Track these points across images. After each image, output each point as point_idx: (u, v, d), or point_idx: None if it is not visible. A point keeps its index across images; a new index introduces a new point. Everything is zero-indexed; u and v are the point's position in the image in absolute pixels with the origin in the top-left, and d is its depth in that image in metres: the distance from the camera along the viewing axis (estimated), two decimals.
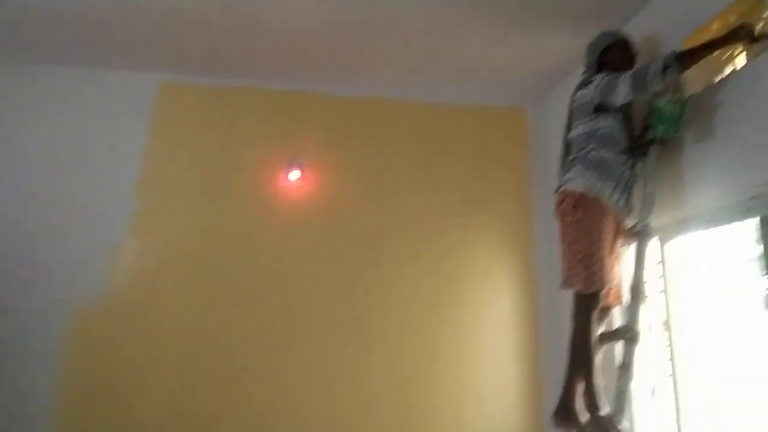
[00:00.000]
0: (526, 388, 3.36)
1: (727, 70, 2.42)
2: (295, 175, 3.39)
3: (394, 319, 3.32)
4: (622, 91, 2.39)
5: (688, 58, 2.28)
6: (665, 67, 2.27)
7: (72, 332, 3.00)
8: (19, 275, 3.03)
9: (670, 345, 2.58)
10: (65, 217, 3.15)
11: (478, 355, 3.37)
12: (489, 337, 3.41)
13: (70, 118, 3.31)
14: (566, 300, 2.54)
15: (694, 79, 2.49)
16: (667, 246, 2.66)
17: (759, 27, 2.18)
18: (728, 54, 2.41)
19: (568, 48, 3.08)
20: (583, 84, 2.61)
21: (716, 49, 2.27)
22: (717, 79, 2.41)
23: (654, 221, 2.49)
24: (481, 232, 3.54)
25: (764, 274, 2.15)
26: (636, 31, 2.71)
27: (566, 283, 2.43)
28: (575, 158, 2.51)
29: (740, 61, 2.37)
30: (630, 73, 2.39)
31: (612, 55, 2.62)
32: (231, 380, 3.09)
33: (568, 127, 2.63)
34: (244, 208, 3.33)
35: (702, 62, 2.48)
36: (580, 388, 2.38)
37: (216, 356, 3.11)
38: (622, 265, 2.50)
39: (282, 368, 3.16)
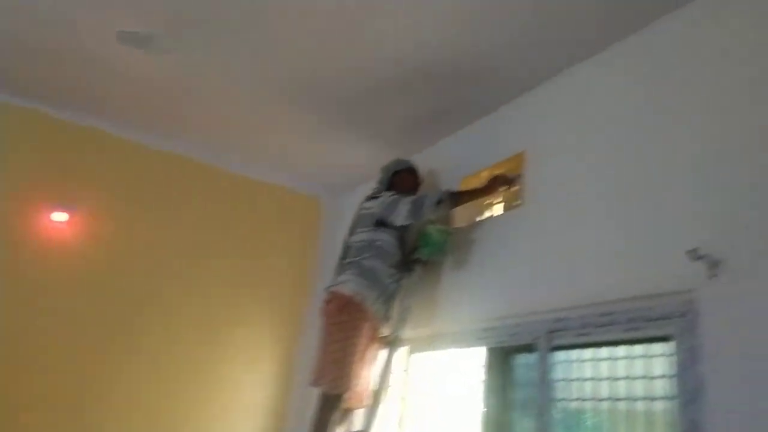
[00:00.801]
0: None
1: (487, 214, 2.84)
2: (61, 216, 3.07)
3: (138, 388, 3.09)
4: (401, 213, 2.65)
5: (458, 197, 2.65)
6: (439, 201, 2.59)
7: None
8: None
9: None
10: None
11: None
12: (233, 422, 3.32)
13: None
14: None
15: (461, 215, 2.87)
16: (413, 357, 2.90)
17: (514, 178, 2.60)
18: (490, 201, 2.83)
19: (369, 157, 3.37)
20: (372, 197, 2.86)
21: (481, 196, 2.66)
22: (477, 220, 2.81)
23: (406, 333, 2.71)
24: (253, 312, 3.52)
25: (484, 397, 2.44)
26: (423, 162, 3.06)
27: (315, 381, 2.51)
28: (351, 262, 2.68)
29: (498, 209, 2.81)
30: (411, 198, 2.68)
31: (401, 177, 2.93)
32: None
33: (351, 232, 2.83)
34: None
35: (471, 203, 2.88)
36: None
37: None
38: (370, 370, 2.65)
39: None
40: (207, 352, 3.32)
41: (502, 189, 2.62)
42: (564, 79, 2.50)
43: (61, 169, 3.16)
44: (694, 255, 1.71)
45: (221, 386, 3.33)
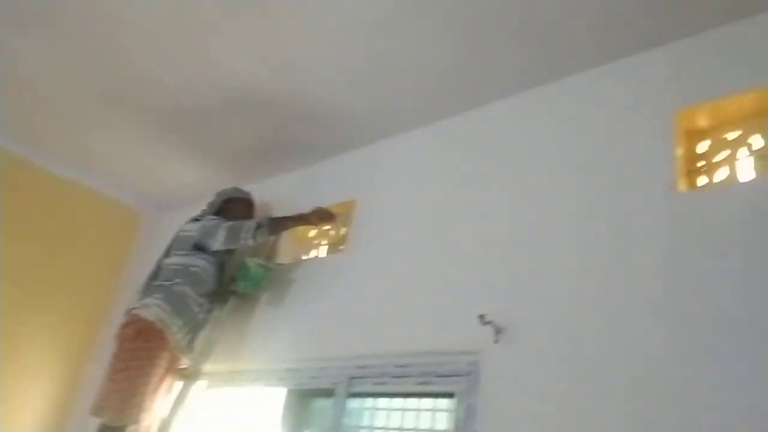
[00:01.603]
0: None
1: (312, 254, 2.87)
2: None
3: None
4: (219, 238, 2.58)
5: (277, 223, 2.63)
6: (258, 226, 2.56)
7: None
8: None
9: None
10: None
11: None
12: None
13: None
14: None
15: (285, 252, 2.87)
16: (211, 392, 2.76)
17: (337, 215, 2.66)
18: (318, 242, 2.87)
19: (200, 178, 3.27)
20: (196, 219, 2.75)
21: (301, 224, 2.67)
22: (301, 259, 2.82)
23: (207, 367, 2.59)
24: (43, 320, 3.17)
25: None
26: (256, 194, 3.01)
27: (96, 410, 2.28)
28: (160, 285, 2.52)
29: (322, 252, 2.85)
30: (230, 224, 2.61)
31: (234, 206, 2.85)
32: None
33: (167, 253, 2.68)
34: None
35: (298, 241, 2.90)
36: None
37: None
38: (162, 403, 2.48)
39: None
40: None
41: (323, 223, 2.67)
42: (402, 140, 2.66)
43: None
44: (483, 320, 1.87)
45: None
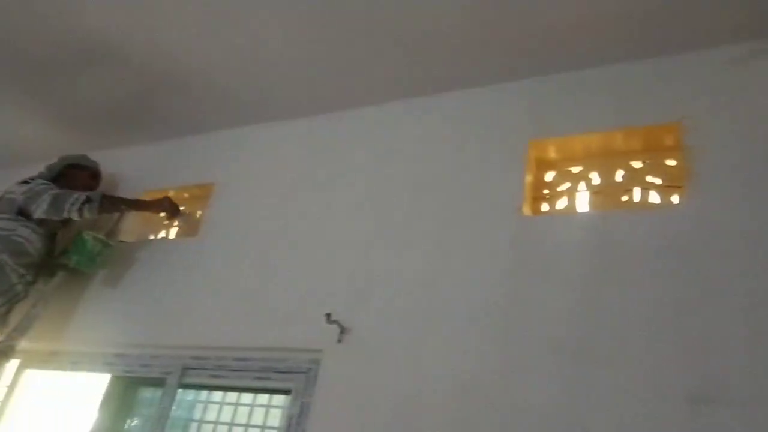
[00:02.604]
0: None
1: (160, 235, 2.69)
2: None
3: None
4: (42, 205, 2.34)
5: (110, 203, 2.44)
6: (88, 200, 2.34)
7: None
8: None
9: None
10: None
11: None
12: None
13: None
14: None
15: (132, 228, 2.67)
16: (27, 372, 2.50)
17: (181, 213, 2.55)
18: (168, 223, 2.70)
19: (42, 137, 2.96)
20: (25, 181, 2.47)
21: (140, 209, 2.55)
22: (147, 238, 2.64)
23: (24, 344, 2.34)
24: None
25: (95, 427, 2.21)
26: (104, 163, 2.78)
27: None
28: None
29: (172, 233, 2.69)
30: (57, 191, 2.38)
31: (75, 174, 2.61)
32: None
33: None
34: None
35: (146, 220, 2.71)
36: None
37: None
38: None
39: None
40: None
41: (164, 214, 2.54)
42: (269, 130, 2.61)
43: None
44: (328, 319, 1.87)
45: None
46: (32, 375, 2.48)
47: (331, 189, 2.26)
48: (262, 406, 2.07)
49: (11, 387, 2.45)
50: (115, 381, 2.28)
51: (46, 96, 2.69)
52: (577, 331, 1.59)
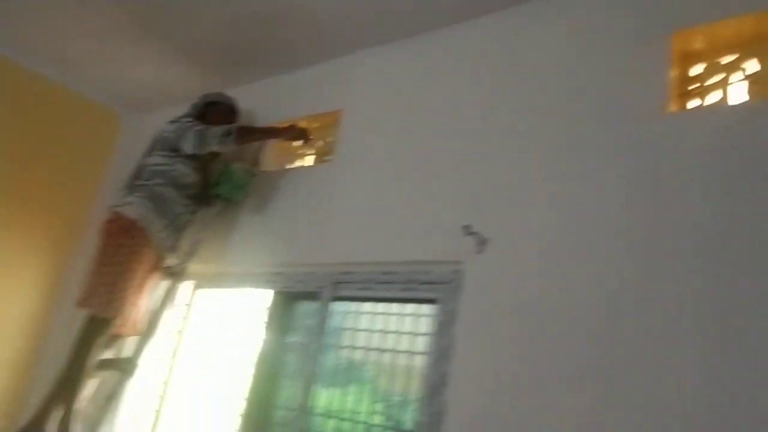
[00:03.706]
0: (9, 399, 3.02)
1: (297, 163, 2.86)
2: None
3: None
4: (189, 141, 2.55)
5: (246, 133, 2.62)
6: (227, 133, 2.53)
7: None
8: None
9: (167, 382, 2.72)
10: None
11: None
12: None
13: None
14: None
15: (272, 159, 2.85)
16: (198, 292, 2.83)
17: (312, 138, 2.67)
18: (304, 151, 2.86)
19: (180, 78, 3.17)
20: (176, 120, 2.70)
21: (273, 137, 2.69)
22: (286, 167, 2.82)
23: (193, 267, 2.64)
24: (17, 219, 3.14)
25: (263, 338, 2.49)
26: (238, 98, 2.93)
27: (83, 302, 2.34)
28: (142, 185, 2.51)
29: (309, 160, 2.85)
30: (197, 128, 2.57)
31: (216, 111, 2.79)
32: None
33: (148, 153, 2.65)
34: None
35: (284, 148, 2.88)
36: (58, 409, 2.25)
37: None
38: (147, 299, 2.54)
39: None
40: None
41: (297, 141, 2.67)
42: (390, 51, 2.60)
43: None
44: (467, 231, 1.93)
45: None
46: (204, 294, 2.82)
47: (455, 102, 2.25)
48: (410, 314, 2.21)
49: (189, 306, 2.81)
50: (277, 296, 2.53)
51: (179, 41, 2.87)
52: (724, 231, 1.52)
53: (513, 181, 1.97)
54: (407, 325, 2.21)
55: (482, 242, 1.93)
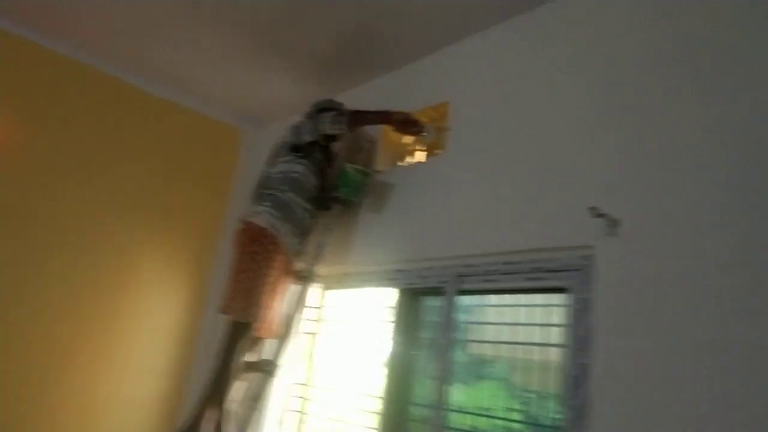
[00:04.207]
0: (166, 404, 3.30)
1: (409, 160, 2.86)
2: None
3: (32, 307, 2.95)
4: (303, 132, 2.71)
5: (358, 116, 2.71)
6: (337, 115, 2.66)
7: None
8: None
9: (307, 383, 2.84)
10: None
11: (123, 363, 3.20)
12: (141, 346, 3.28)
13: None
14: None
15: (384, 158, 2.88)
16: (327, 293, 2.93)
17: (425, 126, 2.63)
18: (414, 146, 2.85)
19: (294, 91, 3.30)
20: (291, 126, 2.82)
21: (384, 119, 2.68)
22: (399, 164, 2.82)
23: (320, 270, 2.73)
24: (164, 236, 3.43)
25: (392, 336, 2.52)
26: (346, 102, 2.96)
27: (225, 308, 2.49)
28: (268, 194, 2.63)
29: (420, 156, 2.83)
30: (311, 119, 2.74)
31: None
32: None
33: (270, 162, 2.79)
34: None
35: (394, 146, 2.89)
36: (211, 411, 2.42)
37: None
38: (282, 302, 2.66)
39: None
40: (109, 278, 3.21)
41: (404, 127, 2.64)
42: (491, 36, 2.53)
43: None
44: (595, 213, 1.81)
45: (132, 311, 3.26)
46: (333, 295, 2.91)
47: (568, 80, 2.13)
48: (540, 305, 2.13)
49: (319, 308, 2.91)
50: (402, 293, 2.55)
51: (290, 54, 2.98)
52: None
53: (640, 158, 1.82)
54: (538, 316, 2.13)
55: (613, 224, 1.81)
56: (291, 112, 3.39)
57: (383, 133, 2.91)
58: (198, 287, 3.52)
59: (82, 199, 3.16)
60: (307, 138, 2.69)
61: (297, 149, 2.71)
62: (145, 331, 3.30)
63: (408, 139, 2.80)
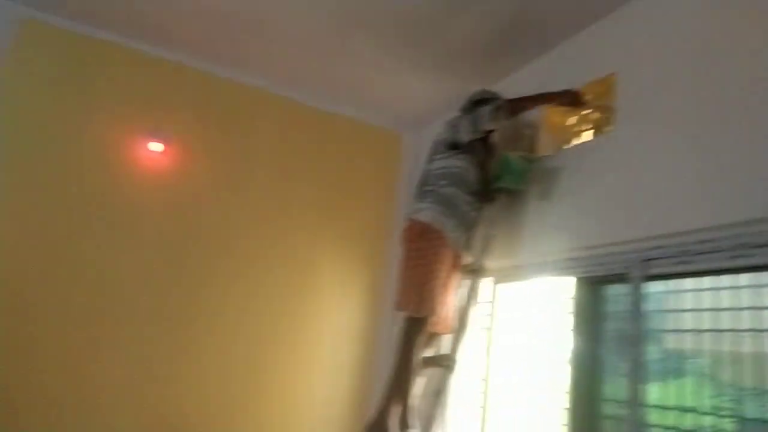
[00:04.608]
0: (354, 401, 3.45)
1: (575, 141, 2.69)
2: (157, 146, 3.19)
3: (231, 312, 3.25)
4: (464, 129, 2.64)
5: (516, 104, 2.62)
6: (497, 109, 2.55)
7: None
8: None
9: (486, 378, 2.80)
10: None
11: (313, 362, 3.41)
12: (327, 346, 3.46)
13: None
14: None
15: (548, 143, 2.74)
16: (499, 287, 2.87)
17: (588, 98, 2.49)
18: (579, 127, 2.68)
19: (449, 88, 3.28)
20: (448, 122, 2.80)
21: (544, 103, 2.60)
22: (564, 147, 2.67)
23: (490, 263, 2.67)
24: (339, 242, 3.60)
25: (573, 329, 2.39)
26: (505, 92, 2.87)
27: (399, 305, 2.54)
28: (430, 190, 2.64)
29: (587, 135, 2.65)
30: (468, 115, 2.67)
31: (483, 106, 2.79)
32: (54, 346, 2.85)
33: (429, 160, 2.79)
34: (95, 169, 3.06)
35: (557, 129, 2.74)
36: (396, 406, 2.48)
37: (40, 319, 2.85)
38: (454, 297, 2.65)
39: (116, 343, 2.99)
40: (296, 283, 3.44)
41: (571, 106, 2.52)
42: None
43: (151, 101, 3.25)
44: None
45: (313, 314, 3.46)
46: (505, 288, 2.83)
47: (750, 38, 1.86)
48: (748, 287, 1.87)
49: (492, 302, 2.85)
50: (581, 282, 2.40)
51: (442, 50, 2.96)
52: None
53: None
54: (745, 299, 1.87)
55: None
56: (448, 109, 3.37)
57: (545, 117, 2.78)
58: (374, 287, 3.64)
59: (272, 219, 3.43)
60: (467, 137, 2.64)
61: (455, 146, 2.68)
62: (328, 332, 3.48)
63: (572, 120, 2.65)
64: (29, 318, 2.84)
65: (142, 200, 3.16)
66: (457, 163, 2.65)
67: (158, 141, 3.19)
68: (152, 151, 3.18)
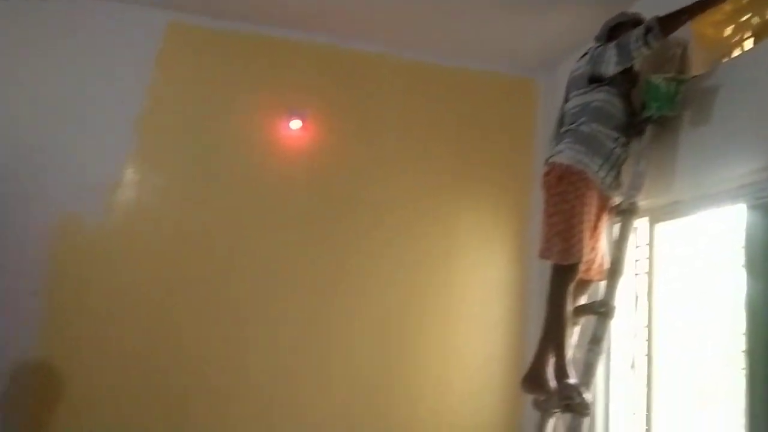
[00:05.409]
0: (510, 354, 3.42)
1: (735, 53, 2.36)
2: (296, 124, 3.35)
3: (380, 276, 3.36)
4: (610, 60, 2.38)
5: (668, 20, 2.27)
6: (648, 30, 2.26)
7: (64, 257, 3.04)
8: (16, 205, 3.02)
9: (649, 325, 2.61)
10: (65, 147, 3.12)
11: (465, 319, 3.43)
12: (477, 302, 3.46)
13: (72, 51, 3.20)
14: None
15: (700, 60, 2.44)
16: (656, 227, 2.64)
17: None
18: (737, 36, 2.35)
19: (582, 21, 3.03)
20: (582, 56, 2.58)
21: (697, 12, 2.25)
22: (723, 61, 2.36)
23: (643, 202, 2.46)
24: (478, 197, 3.56)
25: (744, 264, 2.13)
26: (646, 11, 2.57)
27: (543, 253, 2.43)
28: (567, 130, 2.48)
29: (748, 44, 2.32)
30: (615, 42, 2.38)
31: (622, 31, 2.52)
32: (214, 319, 3.16)
33: (565, 98, 2.61)
34: (242, 152, 3.32)
35: (710, 42, 2.43)
36: (552, 357, 2.41)
37: (202, 295, 3.17)
38: (605, 241, 2.49)
39: (266, 315, 3.24)
40: (440, 240, 3.46)
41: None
42: None
43: (287, 84, 3.44)
44: None
45: (462, 273, 3.47)
46: (664, 227, 2.60)
47: None
48: None
49: (650, 243, 2.64)
50: (754, 211, 2.10)
51: None
52: None
53: None
54: None
55: None
56: (580, 44, 3.12)
57: (694, 30, 2.45)
58: (520, 238, 3.55)
59: (411, 184, 3.48)
60: (614, 69, 2.39)
61: (596, 80, 2.47)
62: (479, 289, 3.47)
63: (728, 29, 2.32)
64: (198, 299, 3.17)
65: (288, 178, 3.36)
66: (597, 96, 2.44)
67: (297, 118, 3.35)
68: (293, 129, 3.36)
